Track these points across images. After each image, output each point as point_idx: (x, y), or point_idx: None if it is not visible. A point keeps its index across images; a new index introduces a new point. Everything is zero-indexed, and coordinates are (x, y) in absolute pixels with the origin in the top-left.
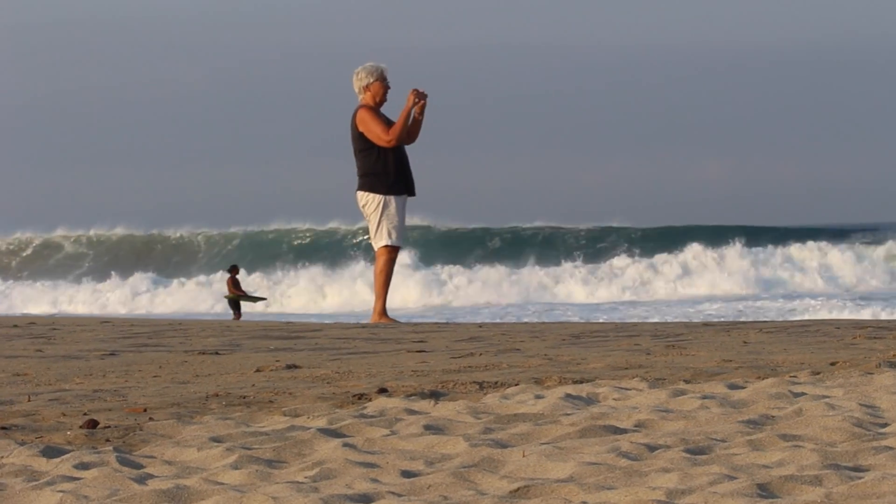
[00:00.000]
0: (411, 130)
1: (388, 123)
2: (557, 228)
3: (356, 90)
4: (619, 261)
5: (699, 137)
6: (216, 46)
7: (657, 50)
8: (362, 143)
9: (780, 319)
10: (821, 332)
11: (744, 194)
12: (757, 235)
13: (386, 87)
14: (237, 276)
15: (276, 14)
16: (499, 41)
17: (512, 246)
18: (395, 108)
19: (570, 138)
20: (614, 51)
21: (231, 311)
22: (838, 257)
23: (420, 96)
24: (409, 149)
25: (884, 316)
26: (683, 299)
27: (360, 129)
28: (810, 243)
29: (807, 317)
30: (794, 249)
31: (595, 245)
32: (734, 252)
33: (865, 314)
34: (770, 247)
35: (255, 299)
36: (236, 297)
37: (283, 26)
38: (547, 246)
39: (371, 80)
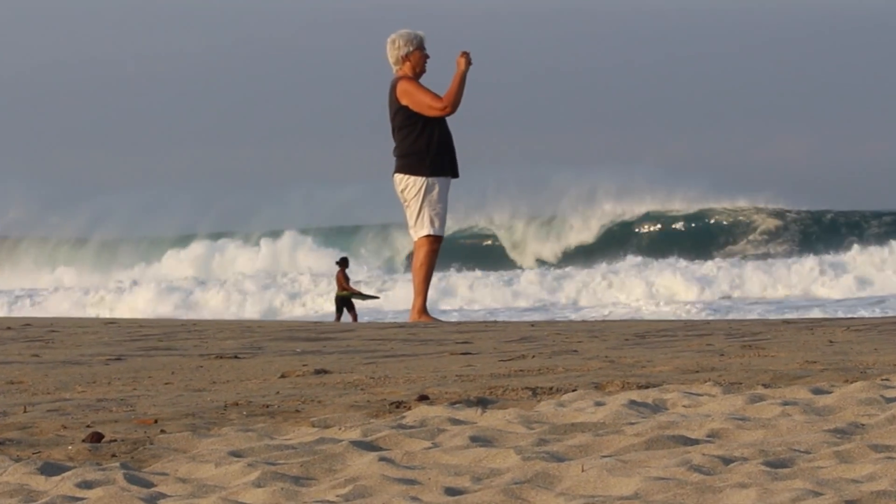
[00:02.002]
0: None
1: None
2: None
3: (392, 61)
4: None
5: None
6: None
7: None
8: (405, 119)
9: (870, 316)
10: None
11: None
12: None
13: (426, 56)
14: (347, 271)
15: None
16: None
17: None
18: (432, 82)
19: None
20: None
21: (336, 313)
22: None
23: (469, 59)
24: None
25: None
26: None
27: (404, 101)
28: None
29: None
30: None
31: None
32: None
33: None
34: None
35: (368, 297)
36: (349, 294)
37: None
38: None
39: (411, 49)
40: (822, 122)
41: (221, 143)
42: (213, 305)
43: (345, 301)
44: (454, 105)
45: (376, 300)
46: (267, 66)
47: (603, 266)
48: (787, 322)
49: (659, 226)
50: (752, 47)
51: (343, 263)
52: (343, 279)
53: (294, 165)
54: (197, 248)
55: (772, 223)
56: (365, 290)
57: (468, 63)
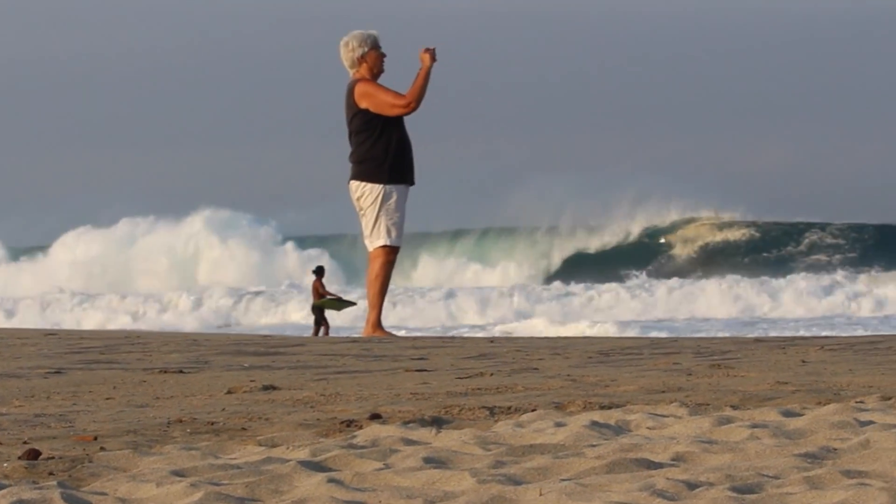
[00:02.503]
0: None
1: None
2: None
3: (347, 64)
4: None
5: None
6: None
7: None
8: (362, 123)
9: (846, 335)
10: (893, 350)
11: None
12: None
13: (382, 55)
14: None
15: None
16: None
17: None
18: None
19: None
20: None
21: (314, 325)
22: None
23: (433, 55)
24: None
25: None
26: None
27: (364, 103)
28: None
29: None
30: None
31: None
32: None
33: None
34: None
35: (346, 304)
36: (326, 302)
37: None
38: None
39: (366, 49)
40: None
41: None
42: None
43: (321, 311)
44: (418, 101)
45: (354, 306)
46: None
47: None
48: (758, 340)
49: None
50: (737, 51)
51: (319, 273)
52: (320, 288)
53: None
54: None
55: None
56: (344, 297)
57: (433, 59)
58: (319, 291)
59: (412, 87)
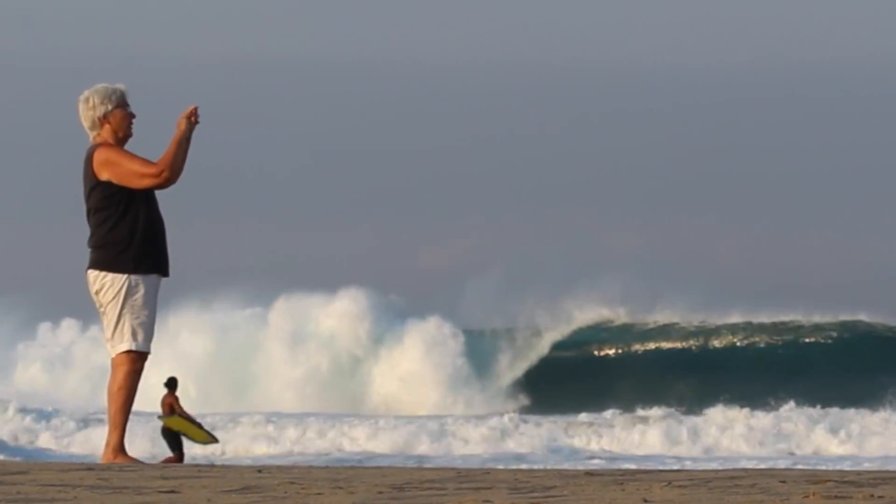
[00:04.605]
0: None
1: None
2: None
3: (87, 125)
4: None
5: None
6: None
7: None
8: (102, 198)
9: (701, 468)
10: (757, 488)
11: None
12: None
13: (131, 115)
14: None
15: None
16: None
17: None
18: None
19: None
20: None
21: (172, 449)
22: None
23: (195, 116)
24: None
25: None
26: None
27: (104, 174)
28: None
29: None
30: None
31: None
32: None
33: None
34: None
35: (206, 435)
36: (178, 424)
37: None
38: None
39: (109, 108)
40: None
41: None
42: None
43: (176, 436)
44: (172, 170)
45: (216, 443)
46: None
47: None
48: (590, 474)
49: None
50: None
51: (171, 386)
52: (176, 406)
53: None
54: None
55: None
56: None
57: (189, 123)
58: (176, 410)
59: (164, 155)
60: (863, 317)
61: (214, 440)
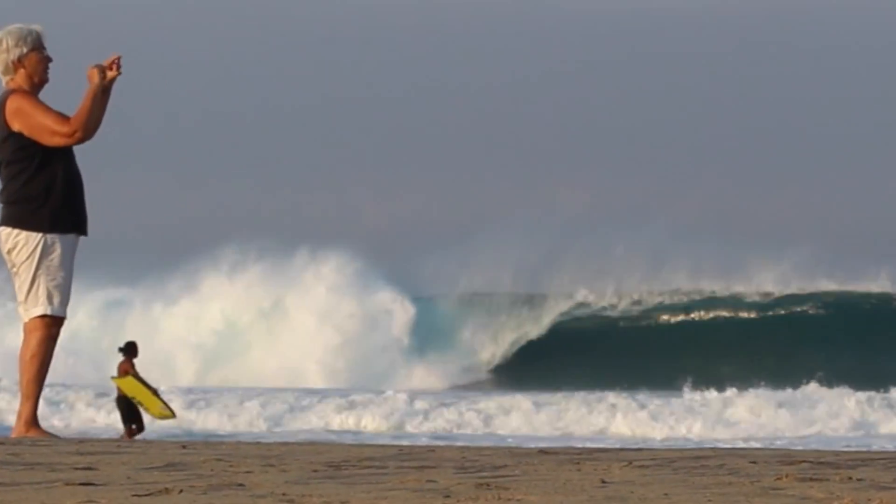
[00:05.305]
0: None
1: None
2: None
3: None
4: None
5: None
6: None
7: None
8: (16, 150)
9: (666, 447)
10: (725, 469)
11: None
12: None
13: (47, 59)
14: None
15: None
16: None
17: None
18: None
19: None
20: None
21: (123, 422)
22: None
23: (118, 67)
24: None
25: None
26: None
27: (16, 124)
28: None
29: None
30: None
31: None
32: None
33: None
34: None
35: (164, 407)
36: (135, 391)
37: None
38: None
39: (24, 51)
40: None
41: None
42: None
43: (131, 406)
44: (87, 129)
45: (172, 418)
46: None
47: None
48: (544, 452)
49: None
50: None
51: (129, 351)
52: (131, 371)
53: None
54: None
55: None
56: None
57: (103, 75)
58: (130, 372)
59: (78, 111)
60: None
61: (171, 414)
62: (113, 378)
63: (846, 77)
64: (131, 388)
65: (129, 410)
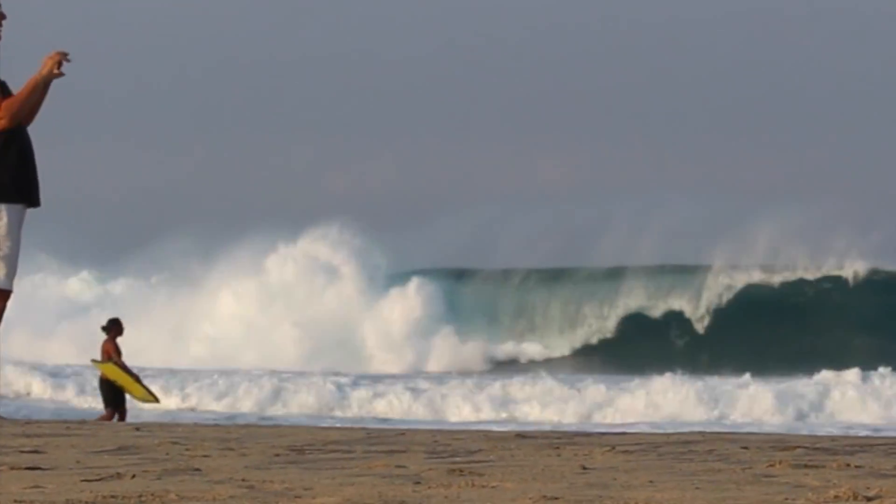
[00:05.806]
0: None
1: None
2: None
3: None
4: None
5: None
6: None
7: None
8: None
9: (651, 431)
10: (715, 455)
11: None
12: None
13: (0, 17)
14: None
15: None
16: None
17: None
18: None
19: None
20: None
21: (106, 406)
22: None
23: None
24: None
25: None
26: None
27: None
28: None
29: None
30: None
31: None
32: None
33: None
34: None
35: (147, 393)
36: (115, 378)
37: None
38: None
39: None
40: None
41: None
42: None
43: (115, 389)
44: (14, 117)
45: (156, 402)
46: None
47: None
48: (521, 436)
49: None
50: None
51: (112, 328)
52: (114, 355)
53: None
54: None
55: None
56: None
57: (52, 71)
58: (112, 359)
59: (15, 96)
60: None
61: (155, 399)
62: (94, 361)
63: None
64: (113, 372)
65: (114, 395)
